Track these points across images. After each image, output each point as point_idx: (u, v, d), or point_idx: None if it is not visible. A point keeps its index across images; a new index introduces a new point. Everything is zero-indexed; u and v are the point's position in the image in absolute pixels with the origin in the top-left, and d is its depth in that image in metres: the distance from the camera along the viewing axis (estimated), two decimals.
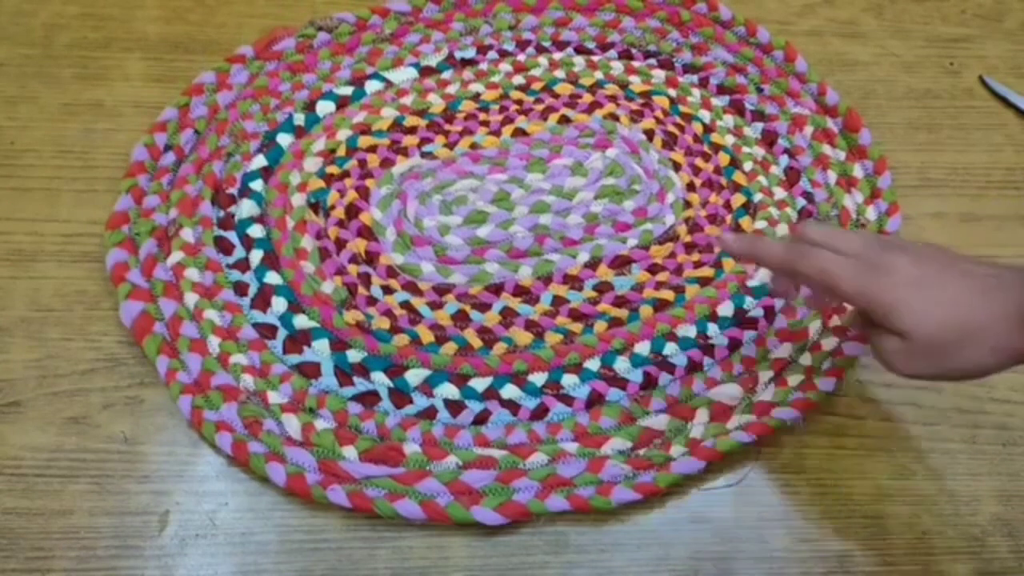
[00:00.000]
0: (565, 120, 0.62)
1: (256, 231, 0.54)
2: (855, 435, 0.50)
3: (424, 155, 0.59)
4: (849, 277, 0.40)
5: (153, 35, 0.64)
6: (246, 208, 0.55)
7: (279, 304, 0.51)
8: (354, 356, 0.49)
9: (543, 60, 0.65)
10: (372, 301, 0.52)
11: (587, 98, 0.63)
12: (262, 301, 0.51)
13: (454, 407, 0.48)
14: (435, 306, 0.52)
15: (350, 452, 0.46)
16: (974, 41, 0.71)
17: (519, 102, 0.62)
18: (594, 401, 0.49)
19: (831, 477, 0.49)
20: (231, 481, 0.46)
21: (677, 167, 0.60)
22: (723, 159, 0.60)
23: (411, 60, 0.64)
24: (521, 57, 0.65)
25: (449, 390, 0.48)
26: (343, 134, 0.59)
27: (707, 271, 0.55)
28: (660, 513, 0.47)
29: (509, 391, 0.48)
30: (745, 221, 0.57)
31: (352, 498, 0.44)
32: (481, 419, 0.48)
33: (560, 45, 0.66)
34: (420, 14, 0.66)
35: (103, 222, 0.53)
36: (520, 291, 0.53)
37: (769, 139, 0.62)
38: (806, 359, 0.51)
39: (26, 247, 0.53)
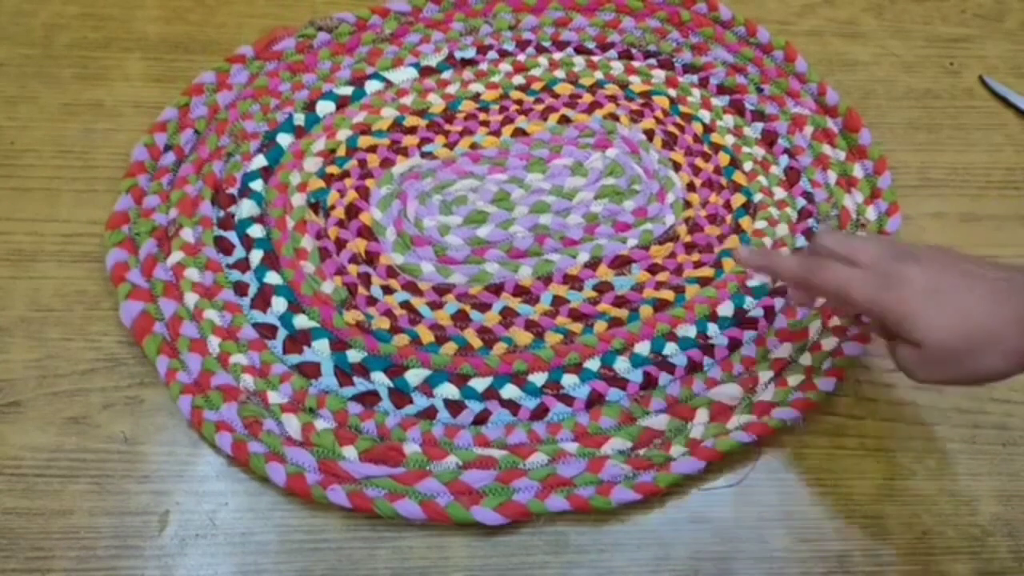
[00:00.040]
0: (565, 120, 0.62)
1: (256, 231, 0.54)
2: (855, 435, 0.50)
3: (424, 155, 0.59)
4: (862, 289, 0.41)
5: (153, 35, 0.64)
6: (246, 208, 0.55)
7: (279, 304, 0.51)
8: (354, 356, 0.49)
9: (543, 60, 0.65)
10: (372, 301, 0.52)
11: (587, 98, 0.63)
12: (262, 301, 0.51)
13: (454, 407, 0.48)
14: (435, 306, 0.52)
15: (350, 452, 0.46)
16: (974, 41, 0.71)
17: (519, 102, 0.62)
18: (594, 401, 0.49)
19: (831, 477, 0.49)
20: (231, 481, 0.46)
21: (677, 167, 0.60)
22: (723, 159, 0.60)
23: (411, 60, 0.64)
24: (521, 57, 0.65)
25: (449, 390, 0.48)
26: (343, 134, 0.59)
27: (707, 271, 0.55)
28: (660, 513, 0.47)
29: (509, 391, 0.48)
30: (745, 221, 0.57)
31: (352, 498, 0.44)
32: (481, 419, 0.48)
33: (560, 45, 0.66)
34: (420, 14, 0.66)
35: (103, 222, 0.53)
36: (520, 291, 0.53)
37: (769, 139, 0.62)
38: (806, 359, 0.51)
39: (26, 247, 0.53)
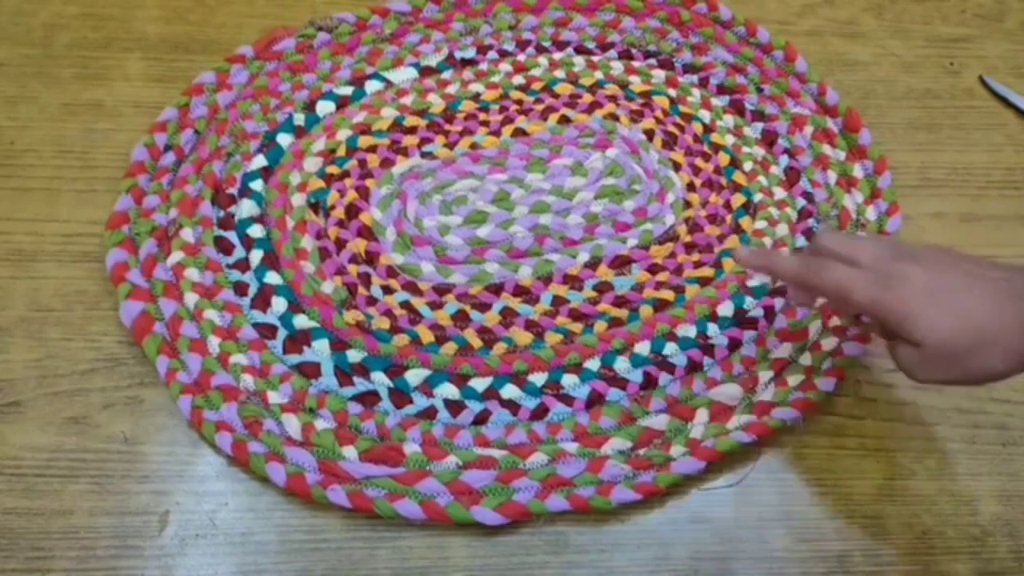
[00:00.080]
0: (565, 120, 0.62)
1: (256, 231, 0.54)
2: (855, 435, 0.50)
3: (424, 155, 0.59)
4: (862, 289, 0.41)
5: (153, 35, 0.64)
6: (246, 208, 0.55)
7: (279, 304, 0.51)
8: (354, 356, 0.49)
9: (543, 60, 0.65)
10: (372, 301, 0.52)
11: (587, 98, 0.63)
12: (262, 301, 0.51)
13: (454, 407, 0.48)
14: (435, 306, 0.52)
15: (350, 452, 0.46)
16: (974, 41, 0.71)
17: (519, 102, 0.62)
18: (594, 401, 0.49)
19: (831, 477, 0.49)
20: (231, 481, 0.46)
21: (677, 167, 0.60)
22: (723, 159, 0.60)
23: (411, 60, 0.64)
24: (521, 57, 0.65)
25: (449, 390, 0.48)
26: (343, 134, 0.59)
27: (707, 271, 0.55)
28: (660, 513, 0.47)
29: (509, 391, 0.48)
30: (745, 221, 0.57)
31: (352, 498, 0.44)
32: (481, 419, 0.48)
33: (560, 45, 0.66)
34: (420, 14, 0.66)
35: (103, 222, 0.53)
36: (520, 291, 0.53)
37: (769, 139, 0.62)
38: (806, 359, 0.51)
39: (26, 247, 0.53)
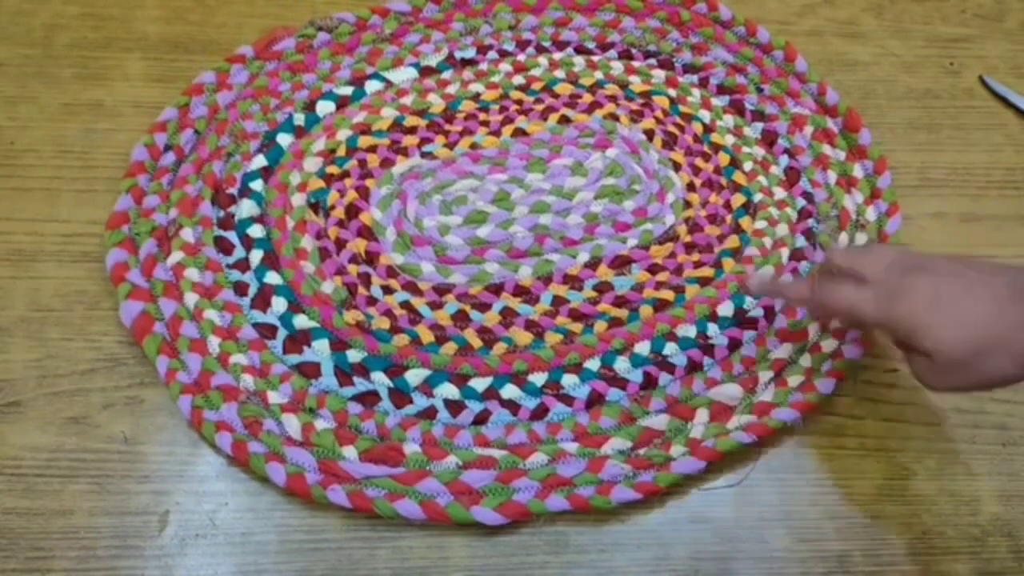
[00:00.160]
0: (565, 120, 0.62)
1: (256, 231, 0.54)
2: (855, 435, 0.50)
3: (424, 155, 0.59)
4: (872, 308, 0.41)
5: (153, 35, 0.64)
6: (246, 208, 0.55)
7: (279, 304, 0.51)
8: (354, 356, 0.49)
9: (543, 60, 0.65)
10: (372, 301, 0.52)
11: (587, 98, 0.63)
12: (262, 301, 0.51)
13: (454, 407, 0.48)
14: (435, 306, 0.52)
15: (350, 452, 0.46)
16: (974, 41, 0.71)
17: (519, 102, 0.62)
18: (594, 401, 0.49)
19: (831, 477, 0.49)
20: (231, 481, 0.46)
21: (677, 167, 0.60)
22: (723, 159, 0.60)
23: (411, 60, 0.64)
24: (521, 57, 0.65)
25: (449, 390, 0.48)
26: (343, 134, 0.59)
27: (707, 271, 0.55)
28: (660, 513, 0.47)
29: (509, 391, 0.48)
30: (745, 221, 0.57)
31: (352, 498, 0.44)
32: (481, 419, 0.48)
33: (560, 45, 0.66)
34: (420, 14, 0.66)
35: (103, 222, 0.53)
36: (520, 291, 0.53)
37: (769, 139, 0.62)
38: (806, 360, 0.51)
39: (26, 247, 0.53)
